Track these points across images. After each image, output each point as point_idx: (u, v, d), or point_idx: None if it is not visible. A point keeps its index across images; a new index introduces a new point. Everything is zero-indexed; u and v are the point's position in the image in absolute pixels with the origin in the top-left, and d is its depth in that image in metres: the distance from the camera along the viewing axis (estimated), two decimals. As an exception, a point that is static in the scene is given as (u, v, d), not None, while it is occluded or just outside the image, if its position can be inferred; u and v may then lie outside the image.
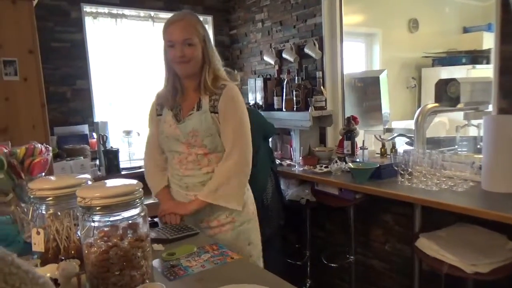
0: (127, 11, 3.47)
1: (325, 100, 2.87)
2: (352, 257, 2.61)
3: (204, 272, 1.15)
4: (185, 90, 1.62)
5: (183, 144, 1.57)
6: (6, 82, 2.28)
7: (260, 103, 3.28)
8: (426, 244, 1.81)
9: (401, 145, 2.75)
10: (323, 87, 2.90)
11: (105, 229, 0.97)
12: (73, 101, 3.25)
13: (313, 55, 2.99)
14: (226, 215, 1.60)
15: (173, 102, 1.62)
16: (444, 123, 3.79)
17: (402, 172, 2.13)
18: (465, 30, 4.36)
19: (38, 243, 1.04)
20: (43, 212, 1.07)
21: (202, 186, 1.59)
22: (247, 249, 1.64)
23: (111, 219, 0.97)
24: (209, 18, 3.92)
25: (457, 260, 1.63)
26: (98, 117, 3.34)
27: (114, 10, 3.40)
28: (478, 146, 2.47)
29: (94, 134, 3.18)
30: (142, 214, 1.00)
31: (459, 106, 2.27)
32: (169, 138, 1.60)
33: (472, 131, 2.67)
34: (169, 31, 1.54)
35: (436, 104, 2.34)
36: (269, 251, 2.67)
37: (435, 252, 1.74)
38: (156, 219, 1.67)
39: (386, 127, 2.75)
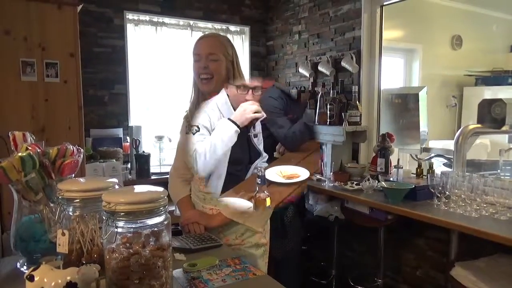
0: (167, 20, 3.55)
1: (360, 115, 2.79)
2: (380, 280, 2.49)
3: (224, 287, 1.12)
4: None
5: None
6: (47, 84, 2.37)
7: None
8: (463, 274, 1.70)
9: (438, 166, 2.63)
10: (359, 102, 2.83)
11: (128, 235, 0.96)
12: (110, 104, 3.34)
13: (350, 69, 2.93)
14: (237, 236, 1.58)
15: None
16: (486, 145, 3.61)
17: (439, 195, 2.02)
18: (513, 49, 4.16)
19: (62, 244, 1.04)
20: (70, 213, 1.08)
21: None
22: None
23: (135, 225, 0.96)
24: (246, 29, 3.95)
25: (496, 295, 1.52)
26: (133, 121, 3.41)
27: (155, 18, 3.49)
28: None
29: (128, 138, 3.25)
30: (166, 222, 0.98)
31: (504, 128, 2.15)
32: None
33: (517, 156, 2.52)
34: (196, 46, 1.59)
35: (479, 125, 2.23)
36: (288, 267, 2.61)
37: (472, 284, 1.63)
38: (179, 227, 1.66)
39: (423, 146, 2.63)
